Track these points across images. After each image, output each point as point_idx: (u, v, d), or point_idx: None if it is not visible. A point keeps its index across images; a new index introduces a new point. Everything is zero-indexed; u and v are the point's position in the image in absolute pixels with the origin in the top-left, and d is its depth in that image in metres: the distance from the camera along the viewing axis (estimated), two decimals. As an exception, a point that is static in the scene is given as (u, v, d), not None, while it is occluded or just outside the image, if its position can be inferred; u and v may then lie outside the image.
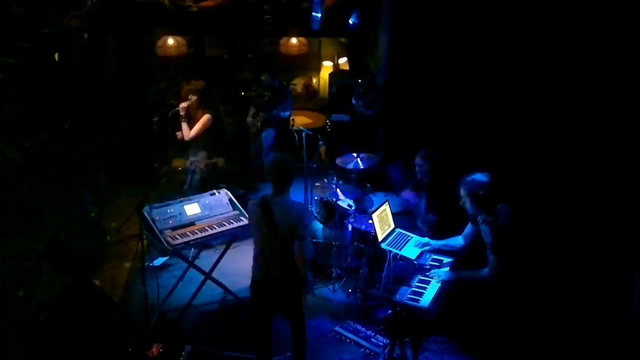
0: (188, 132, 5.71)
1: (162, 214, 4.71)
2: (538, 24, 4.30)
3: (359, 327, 4.75)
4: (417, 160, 5.03)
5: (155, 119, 5.71)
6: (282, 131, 7.38)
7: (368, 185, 5.68)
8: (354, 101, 7.28)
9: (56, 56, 8.93)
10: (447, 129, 5.89)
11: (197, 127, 5.71)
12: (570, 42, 4.00)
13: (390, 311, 4.32)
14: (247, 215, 3.92)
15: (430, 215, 5.01)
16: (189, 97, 5.73)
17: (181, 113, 5.68)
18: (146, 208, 4.64)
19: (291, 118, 8.02)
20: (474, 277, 4.10)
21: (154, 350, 4.24)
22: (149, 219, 4.62)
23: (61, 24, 8.42)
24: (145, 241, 4.51)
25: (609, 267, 3.61)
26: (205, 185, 5.67)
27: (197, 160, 5.86)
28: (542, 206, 4.32)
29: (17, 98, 7.65)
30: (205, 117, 5.72)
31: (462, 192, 4.08)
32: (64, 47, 8.96)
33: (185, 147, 5.98)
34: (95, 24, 8.42)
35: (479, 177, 4.03)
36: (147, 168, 6.70)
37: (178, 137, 5.84)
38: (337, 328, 4.74)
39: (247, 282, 4.37)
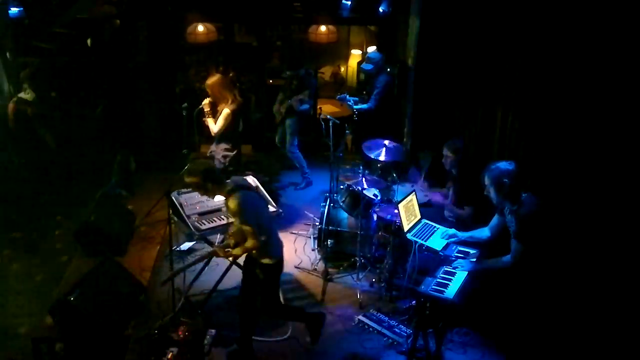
0: (214, 128, 5.69)
1: (190, 199, 4.77)
2: (572, 16, 4.19)
3: (382, 316, 4.75)
4: (444, 151, 4.99)
5: (185, 104, 5.74)
6: (306, 120, 7.34)
7: (394, 174, 5.64)
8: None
9: (89, 42, 9.08)
10: (478, 118, 5.81)
11: (220, 123, 5.65)
12: (602, 33, 3.89)
13: (414, 302, 4.31)
14: (253, 206, 3.87)
15: (465, 209, 4.95)
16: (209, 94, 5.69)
17: (205, 110, 5.65)
18: (174, 193, 4.71)
19: (319, 107, 8.00)
20: (496, 265, 4.06)
21: (180, 333, 4.31)
22: (177, 203, 4.68)
23: (94, 9, 8.55)
24: (172, 226, 4.57)
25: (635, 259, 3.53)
26: (227, 173, 5.64)
27: (216, 150, 5.86)
28: (571, 197, 4.23)
29: (51, 83, 7.82)
30: (225, 112, 5.63)
31: (487, 180, 4.03)
32: (96, 32, 9.10)
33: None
34: (128, 10, 8.53)
35: (504, 165, 3.97)
36: (176, 153, 6.76)
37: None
38: (360, 317, 4.75)
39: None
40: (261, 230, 3.85)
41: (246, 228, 3.82)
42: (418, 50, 7.20)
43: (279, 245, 4.11)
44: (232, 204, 3.78)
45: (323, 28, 9.33)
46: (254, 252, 3.96)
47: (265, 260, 3.98)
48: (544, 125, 4.56)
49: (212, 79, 5.72)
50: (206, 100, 5.67)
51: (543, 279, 3.96)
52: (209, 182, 3.85)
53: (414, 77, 7.16)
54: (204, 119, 5.69)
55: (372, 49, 10.60)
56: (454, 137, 5.13)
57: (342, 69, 11.22)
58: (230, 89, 5.78)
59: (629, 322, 3.57)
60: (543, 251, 3.89)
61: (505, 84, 5.18)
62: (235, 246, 4.05)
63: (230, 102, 5.67)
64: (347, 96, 7.02)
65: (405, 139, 7.49)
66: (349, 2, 7.36)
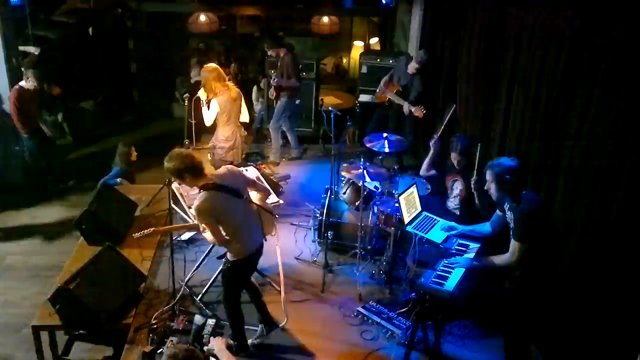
0: (206, 119, 5.62)
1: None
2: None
3: (381, 308, 4.76)
4: (454, 155, 4.96)
5: (186, 94, 5.71)
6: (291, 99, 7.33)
7: (395, 167, 5.64)
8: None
9: (90, 31, 9.06)
10: (480, 111, 5.79)
11: (210, 114, 5.58)
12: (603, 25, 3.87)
13: (413, 294, 4.31)
14: (215, 208, 3.75)
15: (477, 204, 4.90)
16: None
17: (202, 99, 5.57)
18: (175, 183, 4.70)
19: (320, 98, 7.97)
20: (494, 263, 4.04)
21: (179, 322, 4.33)
22: (177, 194, 4.68)
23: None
24: (173, 215, 4.56)
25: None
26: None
27: (215, 142, 5.82)
28: (570, 195, 4.22)
29: (53, 71, 7.81)
30: (213, 104, 5.53)
31: (489, 175, 4.00)
32: (98, 22, 9.08)
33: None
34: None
35: (506, 161, 3.95)
36: (177, 144, 6.75)
37: None
38: (359, 308, 4.76)
39: (271, 259, 4.45)
40: (226, 230, 3.84)
41: (203, 226, 3.83)
42: (421, 41, 7.19)
43: (251, 244, 4.03)
44: (195, 202, 3.74)
45: (325, 19, 9.29)
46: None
47: (230, 257, 4.00)
48: (547, 119, 4.53)
49: (205, 68, 5.61)
50: (202, 90, 5.62)
51: (542, 275, 3.95)
52: (186, 173, 3.75)
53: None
54: (201, 108, 5.64)
55: (374, 40, 10.59)
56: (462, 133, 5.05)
57: (345, 60, 11.19)
58: (222, 80, 5.60)
59: (629, 318, 3.57)
60: (541, 249, 3.86)
61: (508, 77, 5.16)
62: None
63: (218, 93, 5.54)
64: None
65: (406, 131, 7.47)
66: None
